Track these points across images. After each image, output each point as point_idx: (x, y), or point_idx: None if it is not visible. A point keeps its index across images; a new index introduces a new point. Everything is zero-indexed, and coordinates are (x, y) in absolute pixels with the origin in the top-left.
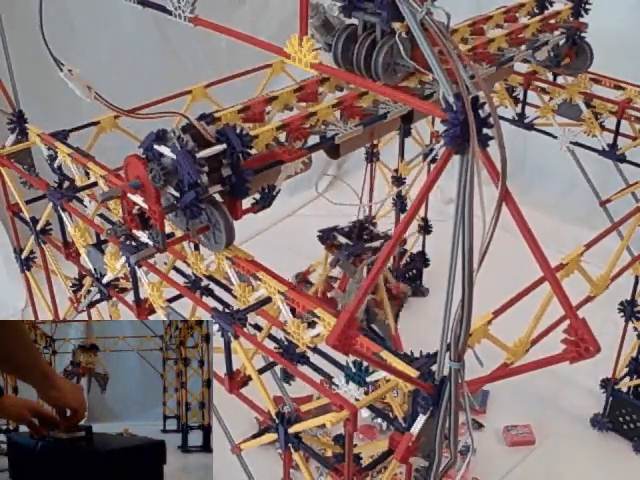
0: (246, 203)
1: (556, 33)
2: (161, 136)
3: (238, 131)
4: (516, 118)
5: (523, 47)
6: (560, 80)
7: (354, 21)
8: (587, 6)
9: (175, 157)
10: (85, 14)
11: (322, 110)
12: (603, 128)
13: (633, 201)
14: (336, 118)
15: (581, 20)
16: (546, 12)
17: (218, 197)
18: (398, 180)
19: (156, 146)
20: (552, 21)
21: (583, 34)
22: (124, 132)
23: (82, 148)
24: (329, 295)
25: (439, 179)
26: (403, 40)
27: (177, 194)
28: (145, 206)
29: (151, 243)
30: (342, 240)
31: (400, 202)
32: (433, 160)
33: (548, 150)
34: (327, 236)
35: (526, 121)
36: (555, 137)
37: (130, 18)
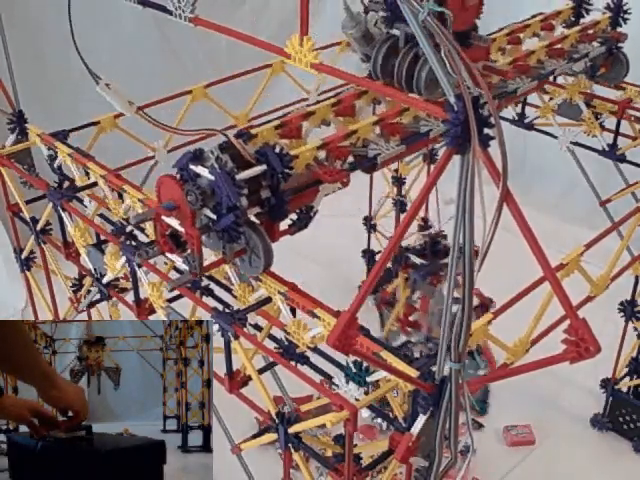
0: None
1: (595, 44)
2: (198, 155)
3: (277, 150)
4: (516, 118)
5: (562, 60)
6: (560, 80)
7: (394, 32)
8: (626, 15)
9: (213, 178)
10: (85, 14)
11: (363, 128)
12: (603, 128)
13: (633, 201)
14: (376, 136)
15: (619, 30)
16: (584, 21)
17: (254, 218)
18: (398, 180)
19: (192, 166)
20: (590, 31)
21: (620, 44)
22: (124, 132)
23: (82, 148)
24: (411, 319)
25: (439, 179)
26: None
27: (213, 216)
28: (181, 229)
29: (186, 267)
30: (416, 260)
31: (400, 202)
32: (433, 160)
33: (548, 150)
34: (399, 259)
35: (526, 121)
36: (555, 137)
37: (130, 18)
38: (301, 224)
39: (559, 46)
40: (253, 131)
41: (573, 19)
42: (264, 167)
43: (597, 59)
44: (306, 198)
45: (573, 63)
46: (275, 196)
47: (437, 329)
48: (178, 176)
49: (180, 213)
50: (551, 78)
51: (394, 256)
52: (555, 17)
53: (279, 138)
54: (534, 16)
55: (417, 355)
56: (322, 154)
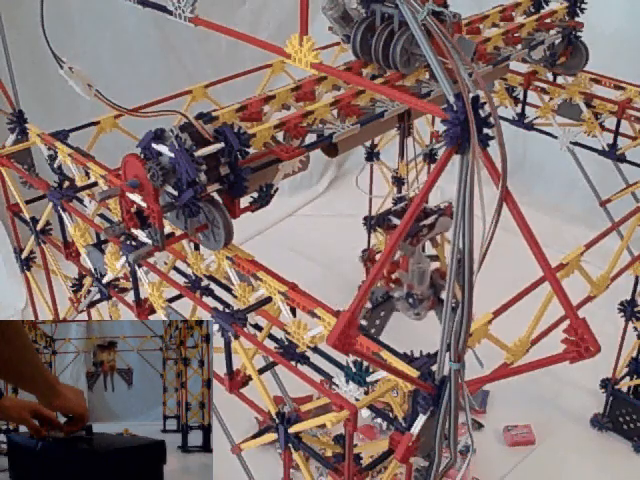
0: (244, 202)
1: (552, 32)
2: (159, 135)
3: (236, 130)
4: (516, 118)
5: (519, 46)
6: (560, 80)
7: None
8: (583, 5)
9: (173, 155)
10: (85, 14)
11: (319, 109)
12: (603, 128)
13: (633, 201)
14: (333, 117)
15: (577, 19)
16: (542, 11)
17: (217, 196)
18: (398, 180)
19: (154, 145)
20: (548, 20)
21: (579, 33)
22: (124, 132)
23: (82, 148)
24: (393, 276)
25: (439, 179)
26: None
27: (175, 193)
28: (143, 205)
29: (150, 242)
30: (397, 222)
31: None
32: (433, 160)
33: (548, 150)
34: (382, 220)
35: (526, 121)
36: (555, 137)
37: (130, 18)
38: (262, 202)
39: (517, 34)
40: (214, 114)
41: (533, 10)
42: (222, 145)
43: (557, 48)
44: (266, 176)
45: (529, 49)
46: (234, 173)
47: (416, 286)
48: (142, 155)
49: (143, 190)
50: (551, 77)
51: (377, 221)
52: (514, 8)
53: (240, 121)
54: (495, 8)
55: (400, 309)
56: (281, 136)
